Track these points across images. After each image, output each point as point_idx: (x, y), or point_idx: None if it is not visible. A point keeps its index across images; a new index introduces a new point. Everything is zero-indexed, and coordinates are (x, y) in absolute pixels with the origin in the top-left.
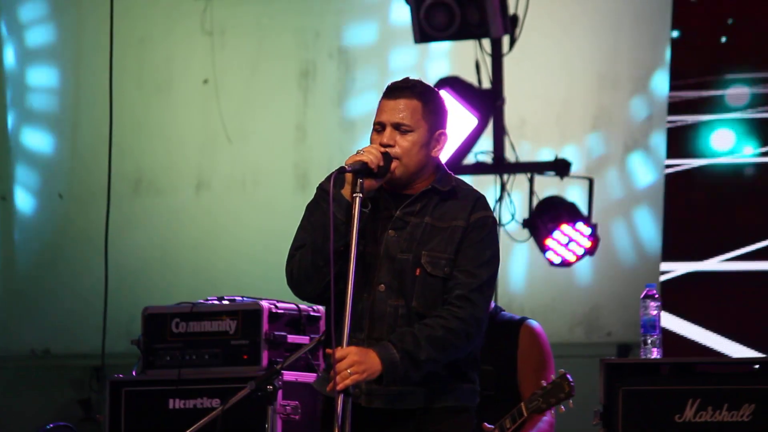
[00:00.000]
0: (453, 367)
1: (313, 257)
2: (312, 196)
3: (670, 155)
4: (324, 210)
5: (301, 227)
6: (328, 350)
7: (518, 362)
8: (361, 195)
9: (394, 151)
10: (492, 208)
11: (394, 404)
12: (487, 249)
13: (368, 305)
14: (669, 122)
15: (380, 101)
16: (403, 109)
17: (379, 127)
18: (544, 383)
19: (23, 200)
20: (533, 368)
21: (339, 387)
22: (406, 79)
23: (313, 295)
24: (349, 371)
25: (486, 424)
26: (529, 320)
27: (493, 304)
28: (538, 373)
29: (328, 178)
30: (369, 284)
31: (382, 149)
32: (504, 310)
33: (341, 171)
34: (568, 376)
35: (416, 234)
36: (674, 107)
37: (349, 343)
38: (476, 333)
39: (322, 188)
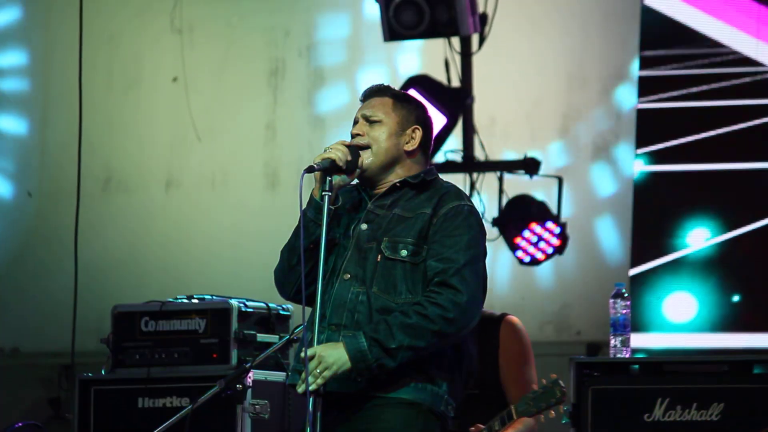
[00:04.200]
0: (417, 364)
1: (288, 256)
2: (282, 195)
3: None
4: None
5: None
6: (302, 354)
7: (500, 359)
8: (329, 193)
9: (363, 139)
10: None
11: (342, 388)
12: (464, 234)
13: (332, 294)
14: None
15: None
16: (374, 105)
17: (354, 123)
18: (535, 387)
19: None
20: (515, 364)
21: (311, 387)
22: (380, 84)
23: (292, 293)
24: (318, 370)
25: (478, 424)
26: (509, 316)
27: None
28: (520, 368)
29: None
30: (336, 275)
31: (347, 143)
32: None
33: (309, 170)
34: (560, 382)
35: (382, 224)
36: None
37: (318, 333)
38: (460, 317)
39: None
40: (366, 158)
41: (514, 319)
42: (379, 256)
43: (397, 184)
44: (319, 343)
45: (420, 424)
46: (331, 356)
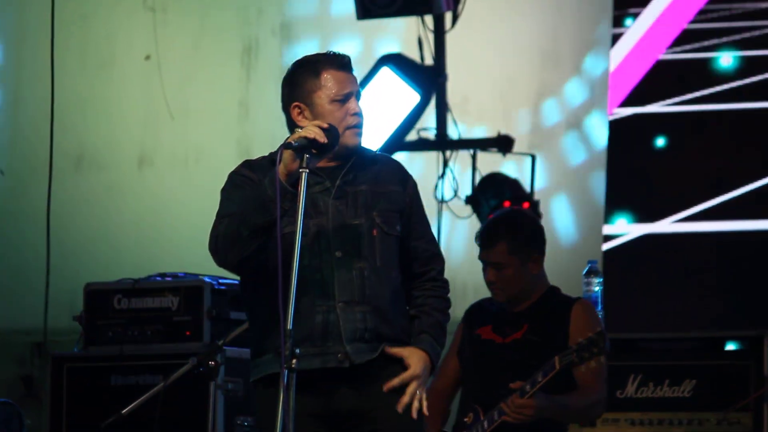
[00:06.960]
0: (406, 327)
1: (238, 227)
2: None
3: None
4: (252, 187)
5: (227, 201)
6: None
7: (570, 339)
8: (307, 170)
9: (361, 120)
10: (434, 185)
11: (375, 353)
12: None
13: (329, 273)
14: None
15: (330, 72)
16: (354, 81)
17: (343, 98)
18: (580, 339)
19: None
20: None
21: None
22: (347, 56)
23: (234, 262)
24: (418, 391)
25: (518, 381)
26: (583, 299)
27: (550, 285)
28: None
29: (242, 165)
30: (323, 253)
31: (324, 125)
32: (560, 290)
33: (287, 147)
34: (604, 333)
35: (359, 200)
36: None
37: (314, 311)
38: None
39: (236, 173)
40: (353, 138)
41: (587, 302)
42: (375, 231)
43: (347, 158)
44: (305, 321)
45: None
46: (425, 372)
